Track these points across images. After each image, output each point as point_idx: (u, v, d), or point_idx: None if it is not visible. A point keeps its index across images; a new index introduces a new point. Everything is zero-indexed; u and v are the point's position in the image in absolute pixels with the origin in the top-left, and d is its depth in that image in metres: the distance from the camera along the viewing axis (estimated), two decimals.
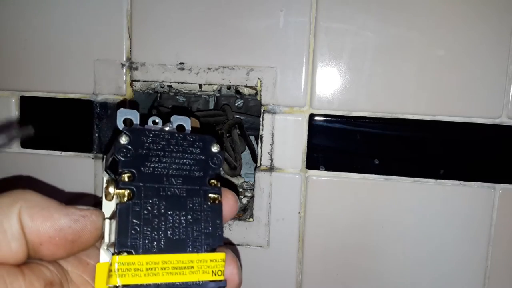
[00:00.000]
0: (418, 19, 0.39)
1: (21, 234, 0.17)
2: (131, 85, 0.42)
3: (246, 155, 0.54)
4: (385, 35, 0.39)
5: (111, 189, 0.19)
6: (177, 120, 0.23)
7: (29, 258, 0.18)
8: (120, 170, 0.20)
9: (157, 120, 0.22)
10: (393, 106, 0.40)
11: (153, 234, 0.19)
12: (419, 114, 0.40)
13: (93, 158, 0.43)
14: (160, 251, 0.19)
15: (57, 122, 0.43)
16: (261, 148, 0.41)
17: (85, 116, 0.43)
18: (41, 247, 0.18)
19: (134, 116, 0.22)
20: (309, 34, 0.40)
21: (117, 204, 0.19)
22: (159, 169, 0.21)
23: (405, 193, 0.40)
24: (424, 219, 0.40)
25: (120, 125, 0.21)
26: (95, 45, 0.42)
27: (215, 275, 0.20)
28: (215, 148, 0.22)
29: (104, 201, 0.20)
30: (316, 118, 0.40)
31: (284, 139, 0.41)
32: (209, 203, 0.21)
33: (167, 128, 0.22)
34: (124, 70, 0.42)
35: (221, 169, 0.49)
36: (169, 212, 0.20)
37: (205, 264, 0.20)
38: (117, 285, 0.18)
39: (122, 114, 0.22)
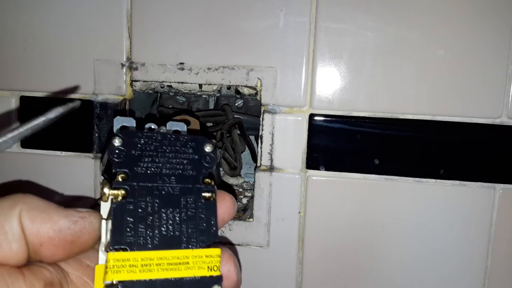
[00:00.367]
0: (418, 19, 0.39)
1: (22, 235, 0.17)
2: (131, 85, 0.42)
3: (246, 155, 0.54)
4: (385, 35, 0.39)
5: (106, 190, 0.19)
6: (173, 126, 0.23)
7: (29, 260, 0.18)
8: (113, 171, 0.20)
9: (153, 127, 0.23)
10: (393, 106, 0.40)
11: (148, 232, 0.19)
12: (419, 114, 0.40)
13: (93, 158, 0.43)
14: (155, 247, 0.19)
15: (57, 122, 0.43)
16: (261, 148, 0.41)
17: (85, 116, 0.43)
18: (41, 248, 0.18)
19: (131, 123, 0.22)
20: (309, 34, 0.40)
21: (111, 204, 0.19)
22: (153, 169, 0.21)
23: (405, 193, 0.40)
24: (424, 219, 0.40)
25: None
26: (95, 45, 0.42)
27: (211, 270, 0.20)
28: (208, 148, 0.22)
29: (101, 203, 0.20)
30: (316, 118, 0.40)
31: (284, 139, 0.41)
32: (203, 201, 0.21)
33: (161, 131, 0.22)
34: (124, 70, 0.42)
35: (221, 169, 0.49)
36: (163, 210, 0.20)
37: (201, 260, 0.20)
38: (113, 282, 0.18)
39: (119, 122, 0.22)
